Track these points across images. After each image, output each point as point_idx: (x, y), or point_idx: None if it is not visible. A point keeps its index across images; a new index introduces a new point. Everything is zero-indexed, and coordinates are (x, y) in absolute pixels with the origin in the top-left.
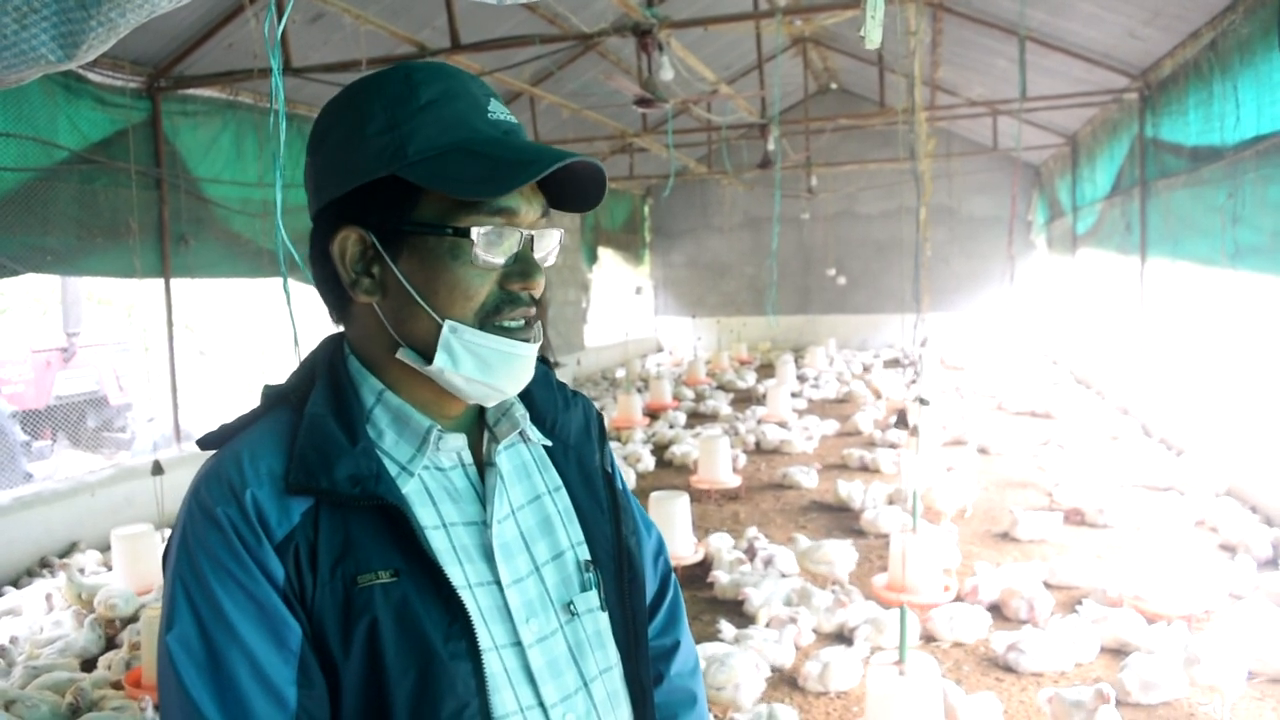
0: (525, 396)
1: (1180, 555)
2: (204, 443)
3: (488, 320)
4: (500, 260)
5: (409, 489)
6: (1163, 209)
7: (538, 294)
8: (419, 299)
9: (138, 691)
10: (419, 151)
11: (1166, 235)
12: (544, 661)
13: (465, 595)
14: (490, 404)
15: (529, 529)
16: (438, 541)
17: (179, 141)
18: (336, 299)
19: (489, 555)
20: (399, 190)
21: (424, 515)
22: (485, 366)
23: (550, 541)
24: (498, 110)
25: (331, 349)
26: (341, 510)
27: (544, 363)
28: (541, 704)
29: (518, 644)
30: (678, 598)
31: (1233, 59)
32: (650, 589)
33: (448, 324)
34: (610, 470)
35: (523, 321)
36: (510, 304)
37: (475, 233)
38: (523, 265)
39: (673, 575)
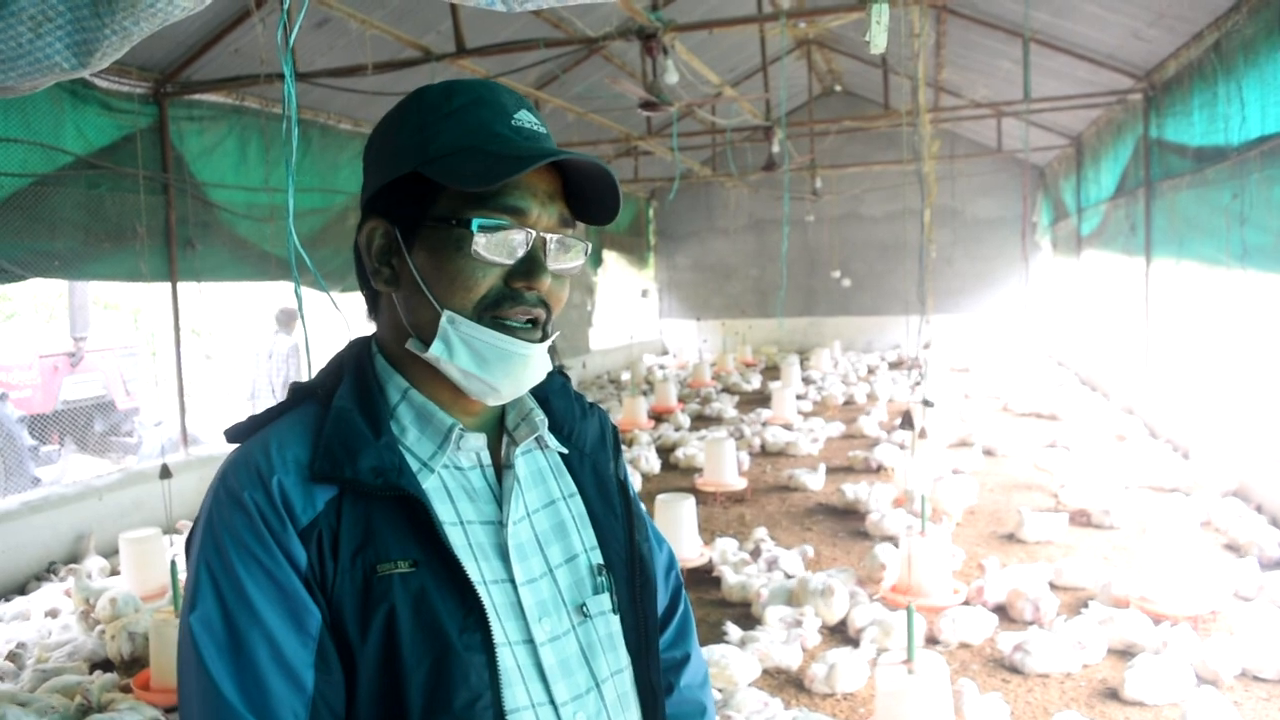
0: (544, 405)
1: (1186, 556)
2: (231, 434)
3: (486, 313)
4: (500, 256)
5: (429, 485)
6: (1167, 210)
7: (551, 296)
8: (425, 288)
9: (147, 695)
10: (438, 150)
11: (1171, 236)
12: (556, 660)
13: (480, 591)
14: (492, 402)
15: (544, 532)
16: (454, 537)
17: (185, 146)
18: (369, 293)
19: (504, 554)
20: (421, 187)
21: (442, 511)
22: (481, 361)
23: (564, 545)
24: (525, 119)
25: (359, 347)
26: (364, 500)
27: (561, 374)
28: (552, 701)
29: (530, 641)
30: (688, 612)
31: (1237, 59)
32: (661, 603)
33: (446, 314)
34: (623, 479)
35: (526, 322)
36: (511, 300)
37: (476, 225)
38: (528, 265)
39: (683, 590)
